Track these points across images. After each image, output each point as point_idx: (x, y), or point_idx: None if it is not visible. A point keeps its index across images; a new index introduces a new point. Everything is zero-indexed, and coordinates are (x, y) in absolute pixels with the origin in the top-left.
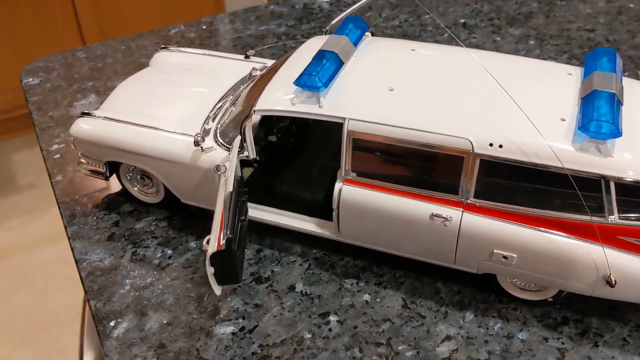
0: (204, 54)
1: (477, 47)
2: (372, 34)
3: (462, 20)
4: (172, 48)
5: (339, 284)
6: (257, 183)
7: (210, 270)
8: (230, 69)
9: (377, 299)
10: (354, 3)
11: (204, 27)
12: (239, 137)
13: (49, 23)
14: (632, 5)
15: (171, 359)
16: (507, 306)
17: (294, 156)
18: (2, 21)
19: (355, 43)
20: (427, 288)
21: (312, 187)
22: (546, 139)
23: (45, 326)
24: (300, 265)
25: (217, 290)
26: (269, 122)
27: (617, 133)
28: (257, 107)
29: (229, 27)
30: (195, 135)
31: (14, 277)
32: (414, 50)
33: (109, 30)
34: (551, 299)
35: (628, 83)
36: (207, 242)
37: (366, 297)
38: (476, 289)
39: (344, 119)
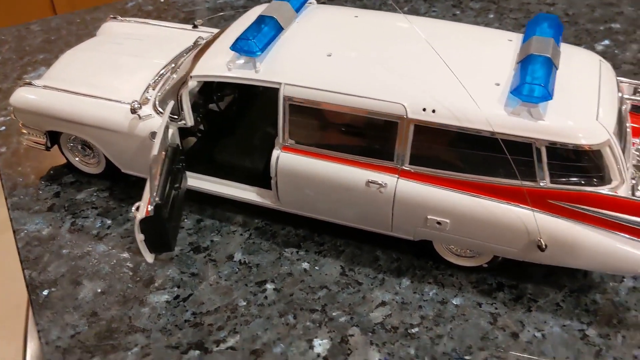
0: (152, 24)
1: None
2: (324, 3)
3: None
4: (120, 18)
5: (278, 252)
6: (199, 152)
7: (140, 237)
8: (177, 38)
9: (316, 267)
10: None
11: (162, 0)
12: (171, 103)
13: None
14: None
15: (103, 327)
16: (444, 273)
17: (236, 125)
18: None
19: (298, 9)
20: (367, 256)
21: (253, 155)
22: (479, 103)
23: (17, 309)
24: (241, 235)
25: (149, 257)
26: (216, 90)
27: (547, 96)
28: (193, 73)
29: None
30: (132, 102)
31: None
32: (356, 17)
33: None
34: (486, 265)
35: (567, 49)
36: (137, 209)
37: (305, 265)
38: (414, 256)
39: (280, 84)
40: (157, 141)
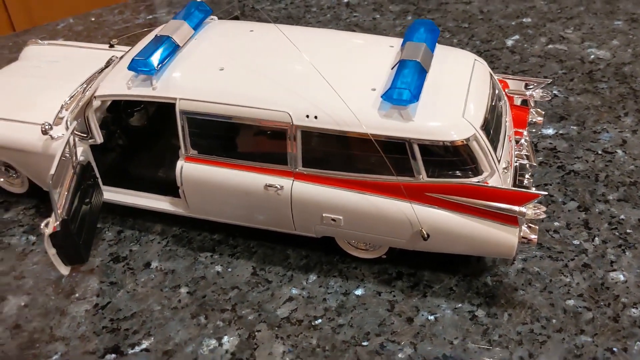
0: (72, 46)
1: (356, 25)
2: (237, 17)
3: (346, 0)
4: (40, 41)
5: (194, 258)
6: (117, 167)
7: (51, 251)
8: (94, 59)
9: (229, 269)
10: None
11: (93, 19)
12: (75, 122)
13: None
14: None
15: (25, 338)
16: (349, 266)
17: (152, 138)
18: None
19: (196, 27)
20: (278, 255)
21: (165, 167)
22: (357, 108)
23: None
24: (159, 243)
25: (64, 270)
26: (125, 107)
27: (413, 99)
28: (96, 94)
29: (118, 17)
30: (43, 124)
31: None
32: (251, 31)
33: (38, 15)
34: (385, 256)
35: (443, 51)
36: (46, 225)
37: (218, 268)
38: (323, 252)
39: (175, 99)
40: (56, 160)
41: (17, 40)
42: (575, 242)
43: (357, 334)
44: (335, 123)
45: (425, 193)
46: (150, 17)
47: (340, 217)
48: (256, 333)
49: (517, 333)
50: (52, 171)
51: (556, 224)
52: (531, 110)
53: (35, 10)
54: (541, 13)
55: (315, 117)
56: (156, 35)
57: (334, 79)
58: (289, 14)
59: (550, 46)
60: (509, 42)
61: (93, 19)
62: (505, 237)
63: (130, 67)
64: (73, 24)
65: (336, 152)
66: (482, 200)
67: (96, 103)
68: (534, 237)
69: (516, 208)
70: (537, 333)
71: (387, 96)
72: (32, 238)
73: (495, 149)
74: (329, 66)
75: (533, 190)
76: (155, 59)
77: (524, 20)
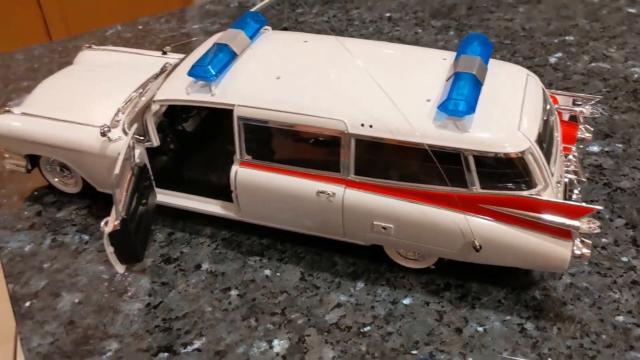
0: (125, 52)
1: (398, 39)
2: (286, 28)
3: (388, 14)
4: (94, 47)
5: (243, 261)
6: (169, 170)
7: (109, 249)
8: (147, 64)
9: (278, 274)
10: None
11: (140, 27)
12: (135, 126)
13: (13, 18)
14: None
15: (79, 334)
16: (396, 275)
17: (204, 143)
18: None
19: (252, 36)
20: (325, 262)
21: (218, 171)
22: (412, 118)
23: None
24: (209, 245)
25: (120, 268)
26: (180, 112)
27: (469, 110)
28: (156, 98)
29: (165, 26)
30: (102, 126)
31: None
32: (306, 42)
33: (74, 23)
34: (433, 266)
35: (497, 65)
36: (105, 224)
37: (267, 272)
38: (369, 260)
39: (233, 105)
40: (119, 160)
41: (66, 45)
42: (624, 259)
43: (406, 343)
44: (390, 132)
45: (478, 204)
46: (196, 26)
47: (391, 226)
48: (306, 337)
49: (567, 347)
50: (117, 171)
51: (604, 240)
52: (580, 126)
53: (71, 19)
54: (584, 32)
55: (370, 126)
56: (214, 43)
57: (389, 89)
58: (332, 26)
59: (593, 64)
60: (552, 60)
61: (140, 27)
62: (558, 250)
63: (190, 73)
64: (121, 30)
65: (389, 161)
66: (537, 213)
67: (154, 107)
68: (586, 251)
69: (571, 222)
70: (587, 348)
71: (443, 107)
72: (85, 237)
73: (548, 163)
74: (384, 77)
75: (585, 204)
76: (214, 66)
77: (567, 38)
